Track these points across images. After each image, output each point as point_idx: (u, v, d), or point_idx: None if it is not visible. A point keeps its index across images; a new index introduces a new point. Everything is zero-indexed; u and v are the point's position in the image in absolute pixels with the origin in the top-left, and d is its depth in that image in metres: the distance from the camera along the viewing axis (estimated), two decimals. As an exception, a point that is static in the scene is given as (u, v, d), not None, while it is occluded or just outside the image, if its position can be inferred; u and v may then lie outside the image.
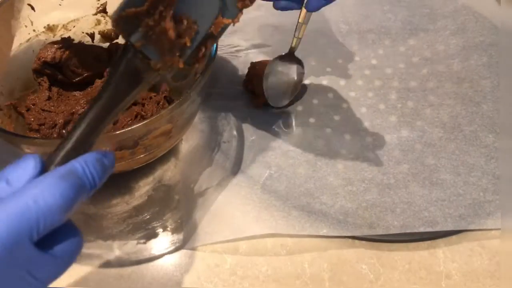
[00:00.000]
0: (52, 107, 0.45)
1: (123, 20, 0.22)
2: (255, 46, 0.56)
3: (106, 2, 0.49)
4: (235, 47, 0.55)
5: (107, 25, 0.50)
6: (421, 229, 0.41)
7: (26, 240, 0.21)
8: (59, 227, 0.23)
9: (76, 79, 0.47)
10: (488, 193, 0.44)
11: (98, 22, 0.50)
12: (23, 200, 0.21)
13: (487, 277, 0.40)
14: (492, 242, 0.41)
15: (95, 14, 0.49)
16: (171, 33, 0.23)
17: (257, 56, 0.54)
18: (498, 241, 0.41)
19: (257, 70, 0.50)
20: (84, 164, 0.24)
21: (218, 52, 0.54)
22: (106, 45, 0.50)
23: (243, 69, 0.52)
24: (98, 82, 0.47)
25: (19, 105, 0.45)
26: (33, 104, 0.45)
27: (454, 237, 0.42)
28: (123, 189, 0.44)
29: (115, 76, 0.24)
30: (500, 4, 0.60)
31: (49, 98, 0.46)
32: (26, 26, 0.46)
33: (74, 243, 0.24)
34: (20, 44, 0.46)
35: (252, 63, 0.51)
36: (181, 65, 0.25)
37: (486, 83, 0.53)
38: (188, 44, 0.24)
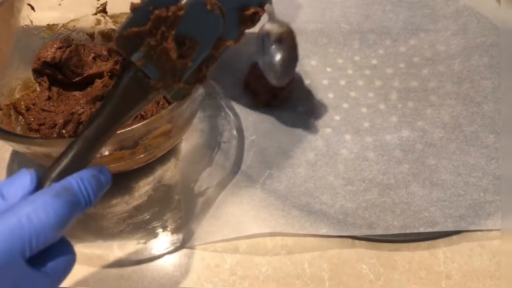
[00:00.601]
0: (52, 107, 0.45)
1: (125, 39, 0.23)
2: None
3: (106, 2, 0.49)
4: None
5: (107, 25, 0.50)
6: (421, 229, 0.41)
7: (18, 257, 0.21)
8: (52, 244, 0.23)
9: (76, 79, 0.47)
10: (489, 194, 0.44)
11: (98, 22, 0.50)
12: (17, 216, 0.21)
13: (487, 277, 0.39)
14: (492, 242, 0.41)
15: (95, 14, 0.49)
16: (173, 54, 0.23)
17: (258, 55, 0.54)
18: (498, 241, 0.41)
19: (257, 70, 0.50)
20: (79, 181, 0.24)
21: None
22: (106, 45, 0.50)
23: (243, 69, 0.52)
24: (98, 82, 0.47)
25: (19, 105, 0.45)
26: (33, 104, 0.45)
27: (454, 237, 0.42)
28: (123, 189, 0.44)
29: (115, 95, 0.24)
30: (500, 5, 0.60)
31: (49, 98, 0.46)
32: (25, 26, 0.46)
33: (67, 260, 0.24)
34: (20, 43, 0.46)
35: (252, 64, 0.51)
36: (181, 86, 0.25)
37: (487, 83, 0.53)
38: (189, 64, 0.24)
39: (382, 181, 0.45)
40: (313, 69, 0.54)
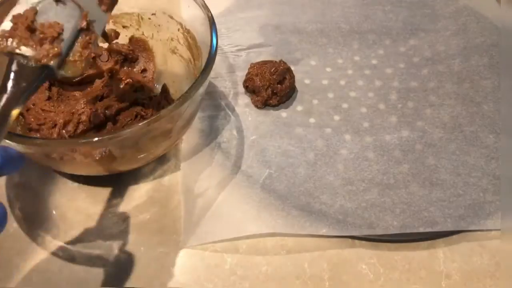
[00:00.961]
0: (52, 107, 0.45)
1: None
2: (256, 46, 0.55)
3: None
4: (235, 46, 0.55)
5: (107, 24, 0.50)
6: (421, 229, 0.41)
7: None
8: None
9: (76, 79, 0.47)
10: (488, 194, 0.44)
11: None
12: None
13: (487, 277, 0.40)
14: (492, 242, 0.41)
15: None
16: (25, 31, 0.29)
17: (258, 56, 0.54)
18: (498, 241, 0.41)
19: (257, 70, 0.50)
20: None
21: (219, 52, 0.54)
22: (106, 45, 0.50)
23: (244, 69, 0.52)
24: (98, 82, 0.47)
25: None
26: (33, 104, 0.45)
27: (454, 237, 0.42)
28: (123, 189, 0.44)
29: (9, 85, 0.28)
30: (500, 5, 0.60)
31: (49, 98, 0.46)
32: None
33: None
34: None
35: (252, 64, 0.51)
36: (57, 51, 0.29)
37: (487, 83, 0.53)
38: (55, 34, 0.29)
39: (381, 181, 0.45)
40: (313, 69, 0.54)
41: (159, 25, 0.48)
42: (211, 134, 0.48)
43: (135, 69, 0.50)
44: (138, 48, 0.50)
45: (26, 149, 0.35)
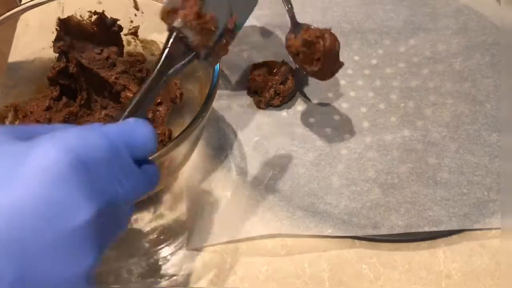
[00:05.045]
0: (47, 119, 0.44)
1: (167, 12, 0.31)
2: (258, 46, 0.55)
3: (139, 26, 0.47)
4: (237, 46, 0.55)
5: (136, 48, 0.49)
6: (426, 229, 0.41)
7: (125, 149, 0.24)
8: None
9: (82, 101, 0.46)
10: (492, 192, 0.44)
11: (128, 44, 0.49)
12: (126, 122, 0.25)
13: (487, 277, 0.39)
14: (492, 242, 0.41)
15: (126, 35, 0.48)
16: (195, 17, 0.32)
17: (260, 56, 0.54)
18: (498, 241, 0.41)
19: (259, 70, 0.50)
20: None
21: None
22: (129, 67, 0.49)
23: (246, 69, 0.52)
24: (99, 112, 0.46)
25: (21, 108, 0.44)
26: (30, 112, 0.44)
27: (454, 237, 0.42)
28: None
29: (163, 53, 0.31)
30: (500, 4, 0.60)
31: (48, 108, 0.45)
32: (52, 32, 0.45)
33: (155, 169, 0.26)
34: (43, 48, 0.46)
35: (254, 64, 0.51)
36: (211, 43, 0.33)
37: (489, 81, 0.53)
38: (213, 29, 0.33)
39: (385, 180, 0.45)
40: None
41: None
42: (213, 135, 0.47)
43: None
44: None
45: None
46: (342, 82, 0.53)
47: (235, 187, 0.44)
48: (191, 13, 0.31)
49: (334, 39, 0.43)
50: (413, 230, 0.41)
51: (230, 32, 0.35)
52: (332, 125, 0.49)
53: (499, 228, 0.41)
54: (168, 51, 0.31)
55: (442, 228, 0.41)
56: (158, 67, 0.30)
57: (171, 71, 0.31)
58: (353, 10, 0.60)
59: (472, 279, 0.39)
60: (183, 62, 0.32)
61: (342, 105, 0.51)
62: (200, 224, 0.41)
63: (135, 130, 0.25)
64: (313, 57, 0.43)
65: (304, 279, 0.39)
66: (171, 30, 0.32)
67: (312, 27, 0.45)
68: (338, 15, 0.59)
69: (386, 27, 0.58)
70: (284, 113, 0.50)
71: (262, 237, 0.41)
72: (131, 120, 0.25)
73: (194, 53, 0.32)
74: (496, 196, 0.43)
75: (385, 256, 0.40)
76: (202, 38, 0.32)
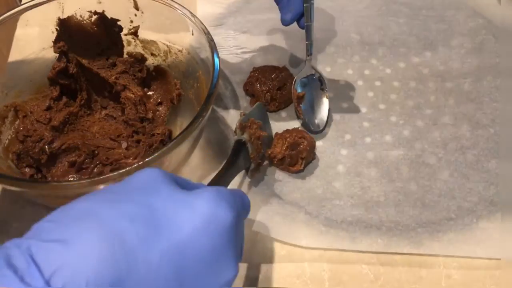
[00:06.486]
0: (47, 119, 0.44)
1: (241, 127, 0.42)
2: (262, 49, 0.55)
3: (139, 26, 0.48)
4: (241, 48, 0.55)
5: (136, 48, 0.50)
6: (405, 250, 0.40)
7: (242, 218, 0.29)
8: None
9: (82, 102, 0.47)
10: (482, 221, 0.42)
11: (129, 43, 0.49)
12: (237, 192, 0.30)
13: (487, 277, 0.39)
14: (492, 242, 0.40)
15: (126, 35, 0.49)
16: (258, 135, 0.43)
17: (263, 59, 0.54)
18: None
19: (258, 74, 0.50)
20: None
21: (224, 53, 0.54)
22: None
23: (246, 71, 0.52)
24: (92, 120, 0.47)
25: (22, 108, 0.45)
26: (31, 112, 0.45)
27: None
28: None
29: (234, 155, 0.41)
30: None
31: (48, 108, 0.45)
32: (53, 32, 0.46)
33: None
34: (43, 48, 0.47)
35: (254, 67, 0.51)
36: (258, 159, 0.44)
37: (496, 106, 0.51)
38: (261, 148, 0.44)
39: (371, 198, 0.44)
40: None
41: (183, 63, 0.48)
42: (214, 136, 0.48)
43: (152, 99, 0.49)
44: (161, 79, 0.50)
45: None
46: (342, 82, 0.53)
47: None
48: (255, 134, 0.43)
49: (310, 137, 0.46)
50: (391, 250, 0.40)
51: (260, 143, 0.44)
52: (332, 125, 0.49)
53: (486, 258, 0.40)
54: (236, 158, 0.40)
55: (421, 251, 0.40)
56: (226, 166, 0.39)
57: (233, 173, 0.40)
58: (365, 21, 0.59)
59: (472, 279, 0.39)
60: (245, 165, 0.42)
61: (342, 105, 0.51)
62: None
63: (244, 198, 0.31)
64: (298, 157, 0.45)
65: (304, 279, 0.39)
66: (239, 141, 0.42)
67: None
68: (348, 25, 0.58)
69: (397, 40, 0.57)
70: (280, 115, 0.50)
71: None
72: (240, 191, 0.31)
73: (249, 163, 0.43)
74: (486, 224, 0.42)
75: (385, 256, 0.40)
76: (256, 153, 0.43)
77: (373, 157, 0.47)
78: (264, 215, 0.42)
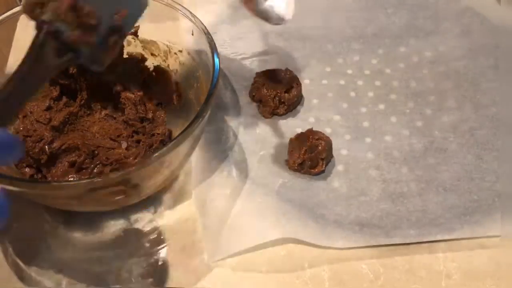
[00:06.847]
0: (47, 119, 0.43)
1: (32, 6, 0.28)
2: (260, 54, 0.55)
3: (139, 26, 0.47)
4: (239, 55, 0.54)
5: (136, 48, 0.48)
6: (439, 237, 0.41)
7: None
8: None
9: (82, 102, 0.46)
10: (504, 198, 0.43)
11: (128, 44, 0.48)
12: None
13: (487, 277, 0.39)
14: (492, 242, 0.41)
15: None
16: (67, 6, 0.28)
17: (263, 64, 0.54)
18: (498, 241, 0.41)
19: (263, 79, 0.49)
20: None
21: (224, 61, 0.53)
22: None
23: (249, 78, 0.51)
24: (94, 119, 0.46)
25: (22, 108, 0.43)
26: (30, 112, 0.44)
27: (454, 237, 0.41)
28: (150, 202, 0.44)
29: (32, 50, 0.27)
30: (500, 5, 0.60)
31: (48, 108, 0.44)
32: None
33: None
34: None
35: (257, 73, 0.50)
36: (93, 40, 0.29)
37: (494, 85, 0.52)
38: (93, 23, 0.29)
39: (394, 190, 0.44)
40: (313, 69, 0.53)
41: (183, 63, 0.47)
42: (219, 147, 0.47)
43: (152, 99, 0.47)
44: (161, 79, 0.49)
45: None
46: (342, 82, 0.53)
47: (245, 196, 0.43)
48: (64, 4, 0.28)
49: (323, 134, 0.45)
50: (425, 239, 0.41)
51: (118, 31, 0.32)
52: (332, 126, 0.49)
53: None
54: (34, 48, 0.27)
55: (455, 236, 0.41)
56: (19, 66, 0.27)
57: (41, 70, 0.28)
58: (355, 16, 0.59)
59: (472, 279, 0.39)
60: (60, 61, 0.29)
61: (342, 105, 0.51)
62: (216, 237, 0.40)
63: None
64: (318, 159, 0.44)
65: (304, 279, 0.39)
66: (40, 25, 0.28)
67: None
68: (340, 20, 0.59)
69: (388, 30, 0.58)
70: (289, 121, 0.49)
71: (279, 241, 0.40)
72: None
73: (73, 51, 0.29)
74: (506, 202, 0.43)
75: (385, 256, 0.40)
76: (81, 33, 0.29)
77: (389, 148, 0.47)
78: (297, 222, 0.41)
